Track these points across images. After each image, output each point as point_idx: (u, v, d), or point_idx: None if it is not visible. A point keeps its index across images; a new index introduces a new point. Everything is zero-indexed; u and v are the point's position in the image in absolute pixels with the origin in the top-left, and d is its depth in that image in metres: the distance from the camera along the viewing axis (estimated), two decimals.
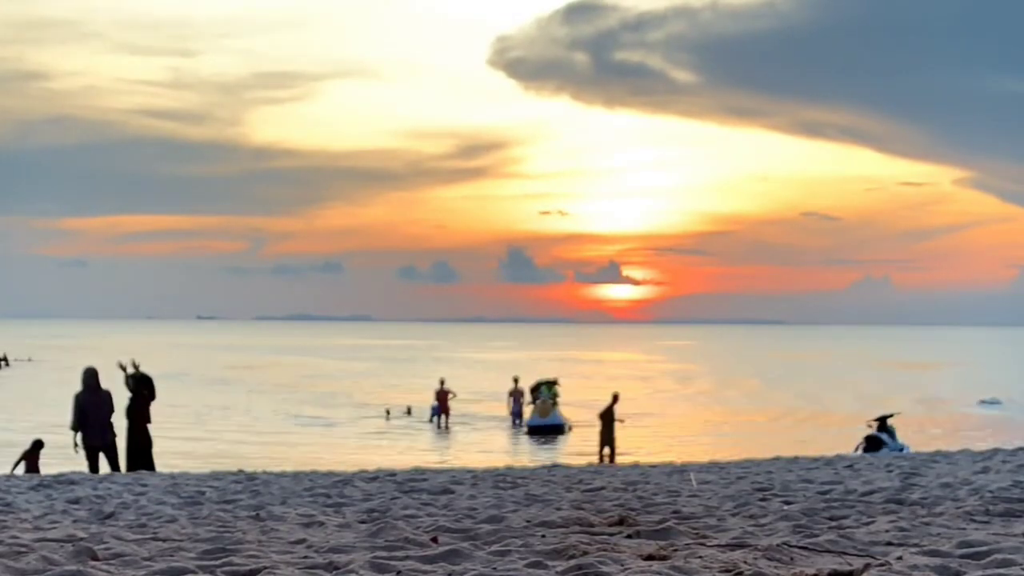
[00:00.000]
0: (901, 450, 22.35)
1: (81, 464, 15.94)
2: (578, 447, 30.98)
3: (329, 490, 10.82)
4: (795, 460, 15.27)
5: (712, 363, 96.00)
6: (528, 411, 37.51)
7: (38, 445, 19.20)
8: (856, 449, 23.52)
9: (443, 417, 38.25)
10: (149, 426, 16.77)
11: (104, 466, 15.95)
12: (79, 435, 16.03)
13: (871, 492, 9.64)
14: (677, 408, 47.96)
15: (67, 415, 16.37)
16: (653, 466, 14.61)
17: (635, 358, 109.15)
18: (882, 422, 24.69)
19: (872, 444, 23.67)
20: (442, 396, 38.54)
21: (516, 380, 38.77)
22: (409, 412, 41.57)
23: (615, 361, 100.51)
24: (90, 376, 16.30)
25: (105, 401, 16.15)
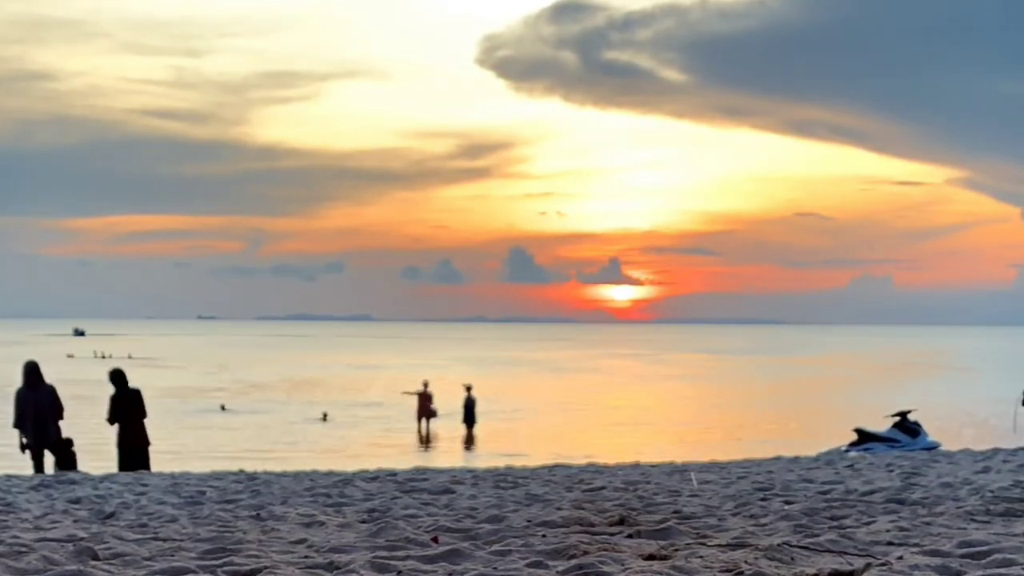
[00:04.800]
0: (934, 447, 22.04)
1: (26, 464, 15.50)
2: None
3: (330, 490, 10.82)
4: (796, 460, 15.27)
5: (789, 365, 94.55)
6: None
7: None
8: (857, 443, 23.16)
9: (424, 422, 37.46)
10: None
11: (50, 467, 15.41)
12: (20, 434, 15.41)
13: (872, 492, 9.63)
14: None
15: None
16: (654, 466, 14.60)
17: (704, 358, 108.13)
18: (903, 418, 24.34)
19: (862, 438, 23.39)
20: (424, 399, 37.78)
21: (426, 384, 38.00)
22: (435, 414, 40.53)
23: (697, 362, 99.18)
24: (30, 371, 15.44)
25: (45, 398, 15.34)
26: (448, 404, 38.83)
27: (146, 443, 16.15)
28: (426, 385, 38.10)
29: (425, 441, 35.65)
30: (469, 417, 36.56)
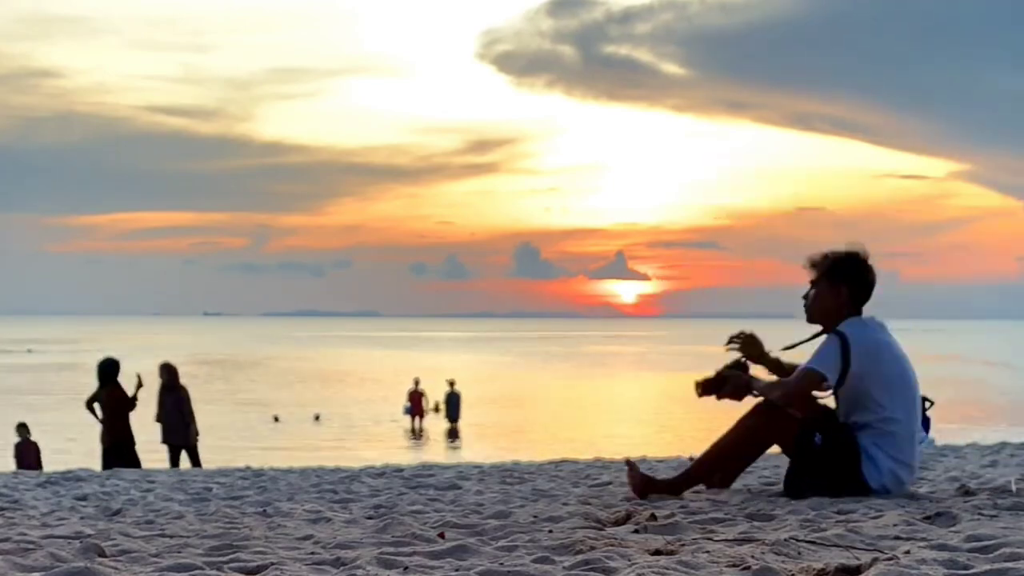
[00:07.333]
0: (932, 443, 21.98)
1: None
2: None
3: (336, 486, 10.83)
4: None
5: None
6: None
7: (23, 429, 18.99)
8: None
9: (418, 420, 37.17)
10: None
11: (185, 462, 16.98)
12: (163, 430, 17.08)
13: None
14: None
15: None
16: (660, 460, 14.59)
17: (710, 351, 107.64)
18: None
19: None
20: (415, 397, 37.51)
21: (417, 381, 37.85)
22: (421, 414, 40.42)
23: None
24: (169, 373, 17.14)
25: (181, 399, 16.91)
26: (438, 398, 38.90)
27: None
28: (417, 383, 37.84)
29: (417, 436, 35.55)
30: (452, 412, 36.41)
